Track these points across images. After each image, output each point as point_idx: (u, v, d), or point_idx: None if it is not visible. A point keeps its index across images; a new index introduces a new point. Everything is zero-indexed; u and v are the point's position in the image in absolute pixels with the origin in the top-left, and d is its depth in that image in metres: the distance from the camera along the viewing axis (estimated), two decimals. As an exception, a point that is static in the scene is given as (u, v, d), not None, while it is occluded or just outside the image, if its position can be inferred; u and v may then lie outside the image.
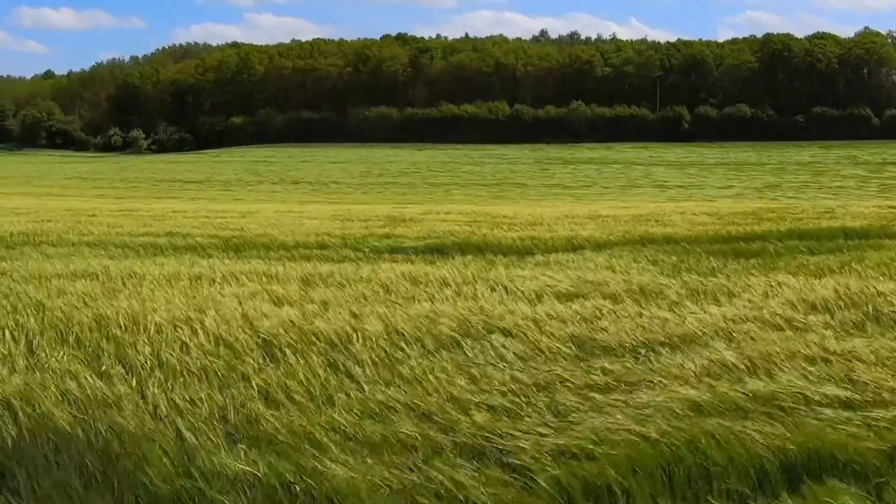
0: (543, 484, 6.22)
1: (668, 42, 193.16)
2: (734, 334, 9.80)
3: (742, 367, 8.46)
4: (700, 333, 9.85)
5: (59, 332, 10.34)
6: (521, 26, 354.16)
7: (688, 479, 6.27)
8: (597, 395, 7.79)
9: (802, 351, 8.85)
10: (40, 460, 6.73)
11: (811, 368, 8.27)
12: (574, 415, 7.38)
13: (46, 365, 9.00)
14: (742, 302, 11.65)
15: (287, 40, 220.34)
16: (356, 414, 7.53)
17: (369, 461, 6.61)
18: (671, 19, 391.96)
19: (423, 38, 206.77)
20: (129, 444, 6.94)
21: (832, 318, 10.53)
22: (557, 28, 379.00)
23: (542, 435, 6.97)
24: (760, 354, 8.75)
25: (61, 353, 9.42)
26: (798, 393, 7.57)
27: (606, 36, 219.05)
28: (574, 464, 6.48)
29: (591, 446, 6.70)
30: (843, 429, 6.81)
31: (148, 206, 53.28)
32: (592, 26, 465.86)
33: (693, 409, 7.31)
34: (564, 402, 7.63)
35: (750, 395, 7.54)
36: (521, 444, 6.79)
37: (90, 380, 8.40)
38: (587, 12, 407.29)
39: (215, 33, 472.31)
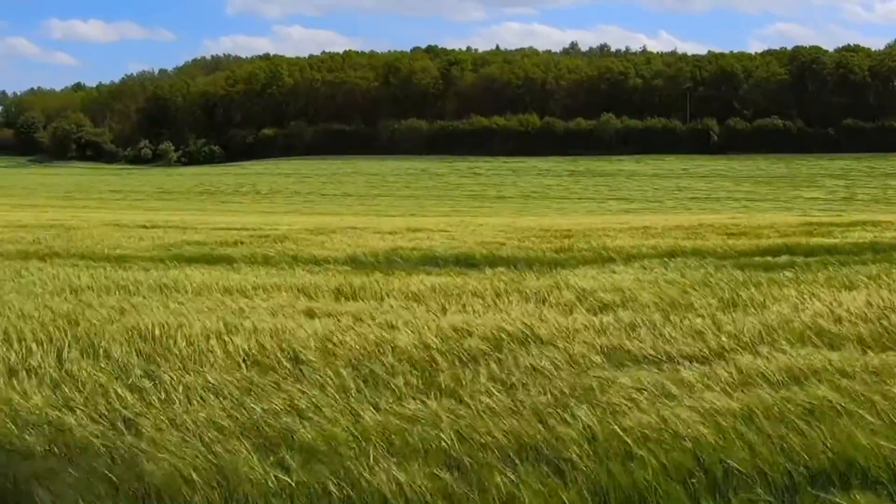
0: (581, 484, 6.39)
1: (697, 54, 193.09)
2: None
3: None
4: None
5: (89, 345, 10.45)
6: (550, 38, 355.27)
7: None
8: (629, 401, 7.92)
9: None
10: (66, 476, 6.72)
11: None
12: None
13: (76, 378, 9.01)
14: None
15: (316, 52, 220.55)
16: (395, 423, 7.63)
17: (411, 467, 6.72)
18: (700, 32, 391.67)
19: (452, 50, 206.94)
20: (158, 458, 6.94)
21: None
22: (587, 40, 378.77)
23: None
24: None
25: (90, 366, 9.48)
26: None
27: (636, 48, 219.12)
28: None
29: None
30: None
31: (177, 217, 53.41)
32: (622, 39, 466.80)
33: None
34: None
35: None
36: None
37: (119, 393, 8.46)
38: (617, 25, 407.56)
39: (245, 45, 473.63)
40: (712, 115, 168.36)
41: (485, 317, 11.81)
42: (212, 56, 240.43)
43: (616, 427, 7.24)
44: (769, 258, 19.62)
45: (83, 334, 10.97)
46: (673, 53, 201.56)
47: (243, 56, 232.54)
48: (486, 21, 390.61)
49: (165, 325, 11.24)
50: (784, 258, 19.37)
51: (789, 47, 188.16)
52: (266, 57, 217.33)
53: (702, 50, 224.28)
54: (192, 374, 9.14)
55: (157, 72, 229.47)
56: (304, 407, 7.99)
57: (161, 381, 8.88)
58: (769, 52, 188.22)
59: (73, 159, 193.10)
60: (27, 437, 7.41)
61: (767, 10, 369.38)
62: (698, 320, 11.34)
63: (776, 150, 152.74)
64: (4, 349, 10.28)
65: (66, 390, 8.57)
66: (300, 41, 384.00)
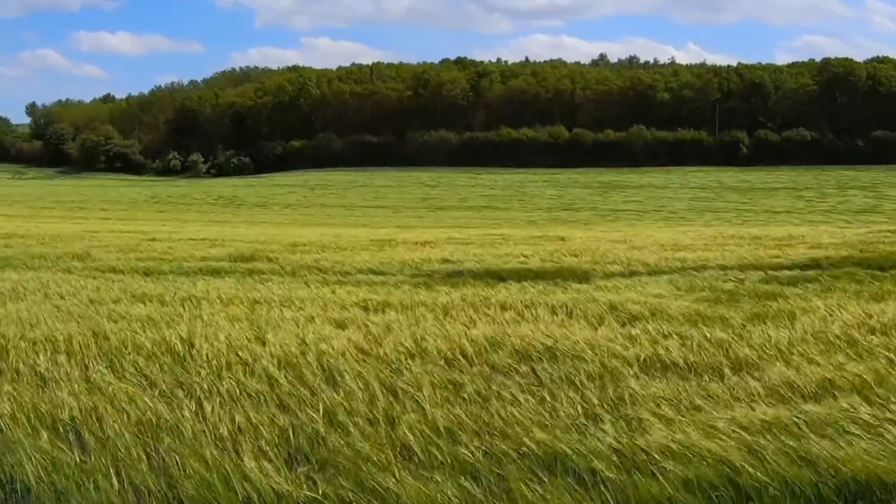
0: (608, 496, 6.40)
1: (727, 66, 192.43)
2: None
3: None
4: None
5: (118, 355, 10.50)
6: (578, 50, 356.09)
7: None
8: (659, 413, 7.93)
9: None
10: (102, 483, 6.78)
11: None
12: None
13: (105, 388, 9.02)
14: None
15: (345, 64, 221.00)
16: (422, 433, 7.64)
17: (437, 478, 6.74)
18: (728, 44, 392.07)
19: (481, 62, 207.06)
20: (189, 468, 6.98)
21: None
22: (616, 52, 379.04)
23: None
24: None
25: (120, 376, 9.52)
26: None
27: (665, 60, 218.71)
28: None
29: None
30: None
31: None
32: (651, 50, 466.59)
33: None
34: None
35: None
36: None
37: (150, 403, 8.48)
38: (645, 37, 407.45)
39: (273, 57, 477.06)
40: (741, 126, 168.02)
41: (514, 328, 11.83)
42: (240, 68, 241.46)
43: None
44: (797, 271, 19.52)
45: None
46: (702, 65, 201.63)
47: (272, 68, 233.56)
48: (514, 33, 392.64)
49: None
50: (812, 271, 19.26)
51: (817, 58, 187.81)
52: (294, 69, 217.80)
53: (730, 61, 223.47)
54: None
55: (185, 83, 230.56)
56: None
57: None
58: (798, 64, 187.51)
59: (101, 171, 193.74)
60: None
61: (795, 21, 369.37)
62: (727, 332, 11.33)
63: (805, 161, 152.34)
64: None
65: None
66: (328, 53, 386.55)
